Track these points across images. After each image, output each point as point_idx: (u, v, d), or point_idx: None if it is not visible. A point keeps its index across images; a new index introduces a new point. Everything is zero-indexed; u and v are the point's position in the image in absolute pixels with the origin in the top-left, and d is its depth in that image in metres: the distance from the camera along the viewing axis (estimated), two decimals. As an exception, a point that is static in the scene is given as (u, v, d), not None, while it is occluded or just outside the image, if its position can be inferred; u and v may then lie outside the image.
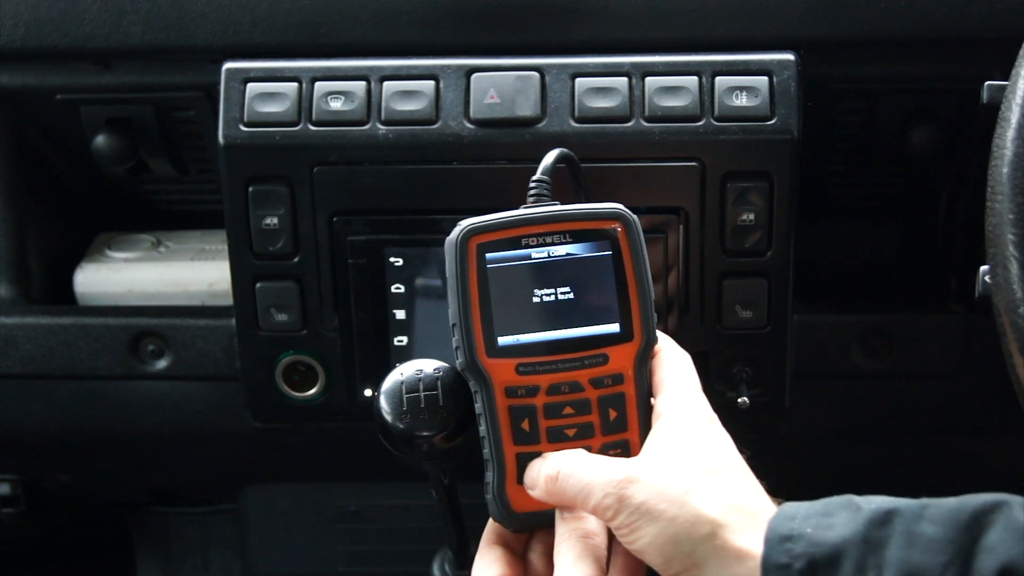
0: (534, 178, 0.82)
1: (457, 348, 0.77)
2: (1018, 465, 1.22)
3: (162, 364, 1.12)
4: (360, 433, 0.94)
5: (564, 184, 0.88)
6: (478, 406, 0.78)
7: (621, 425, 0.78)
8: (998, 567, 0.62)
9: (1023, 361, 0.73)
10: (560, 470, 0.75)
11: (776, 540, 0.67)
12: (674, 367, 0.79)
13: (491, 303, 0.77)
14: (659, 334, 0.81)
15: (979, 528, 0.64)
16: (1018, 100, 0.76)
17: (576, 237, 0.78)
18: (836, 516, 0.67)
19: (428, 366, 0.81)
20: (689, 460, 0.72)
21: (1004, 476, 1.24)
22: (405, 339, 1.03)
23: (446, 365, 0.81)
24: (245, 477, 1.42)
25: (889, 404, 1.14)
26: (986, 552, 0.63)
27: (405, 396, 0.79)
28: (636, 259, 0.78)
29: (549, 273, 0.78)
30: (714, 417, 0.75)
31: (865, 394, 1.13)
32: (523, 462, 0.78)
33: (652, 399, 0.78)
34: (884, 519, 0.66)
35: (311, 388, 1.06)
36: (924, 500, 0.68)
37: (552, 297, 0.78)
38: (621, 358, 0.78)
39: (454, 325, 0.77)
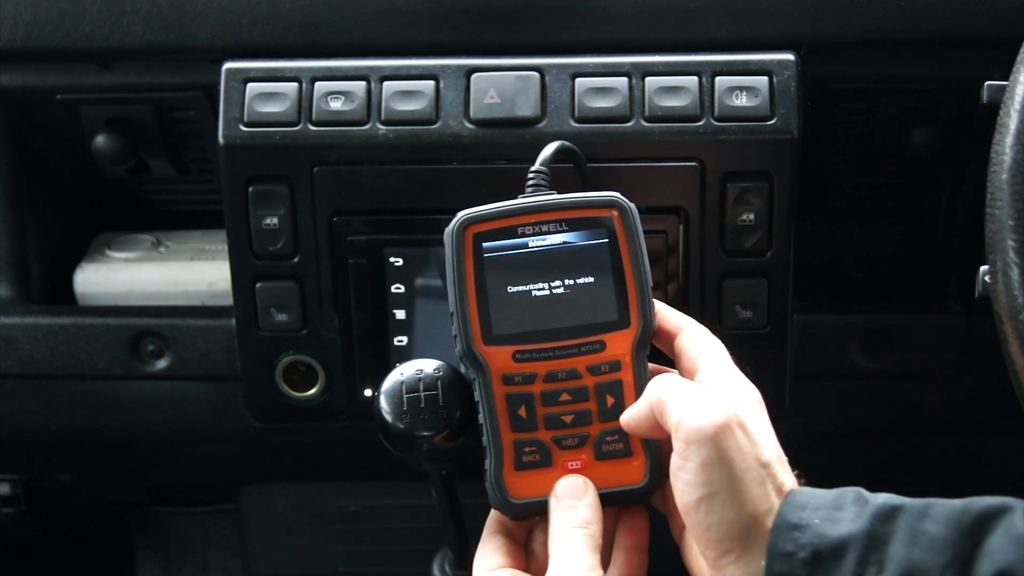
0: (532, 168, 0.83)
1: (455, 336, 0.78)
2: (1018, 465, 1.22)
3: (162, 364, 1.12)
4: (360, 433, 0.94)
5: (568, 179, 0.88)
6: (476, 394, 0.78)
7: (619, 412, 0.78)
8: (995, 571, 0.63)
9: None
10: (659, 385, 0.73)
11: (784, 528, 0.67)
12: (706, 343, 0.78)
13: (488, 292, 0.78)
14: (678, 313, 0.81)
15: (981, 532, 0.65)
16: (1016, 106, 0.75)
17: (572, 225, 0.79)
18: (845, 510, 0.68)
19: (428, 366, 0.81)
20: (768, 436, 0.71)
21: (1004, 476, 1.24)
22: (405, 339, 1.03)
23: (446, 364, 0.81)
24: (245, 477, 1.42)
25: (889, 404, 1.14)
26: (986, 557, 0.63)
27: (405, 396, 0.79)
28: (633, 246, 0.79)
29: (546, 261, 0.78)
30: (760, 397, 0.75)
31: (865, 394, 1.13)
32: (520, 449, 0.78)
33: (693, 375, 0.77)
34: (889, 515, 0.67)
35: (311, 388, 1.06)
36: (930, 499, 0.68)
37: (549, 285, 0.78)
38: (618, 345, 0.78)
39: (452, 314, 0.78)
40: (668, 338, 0.80)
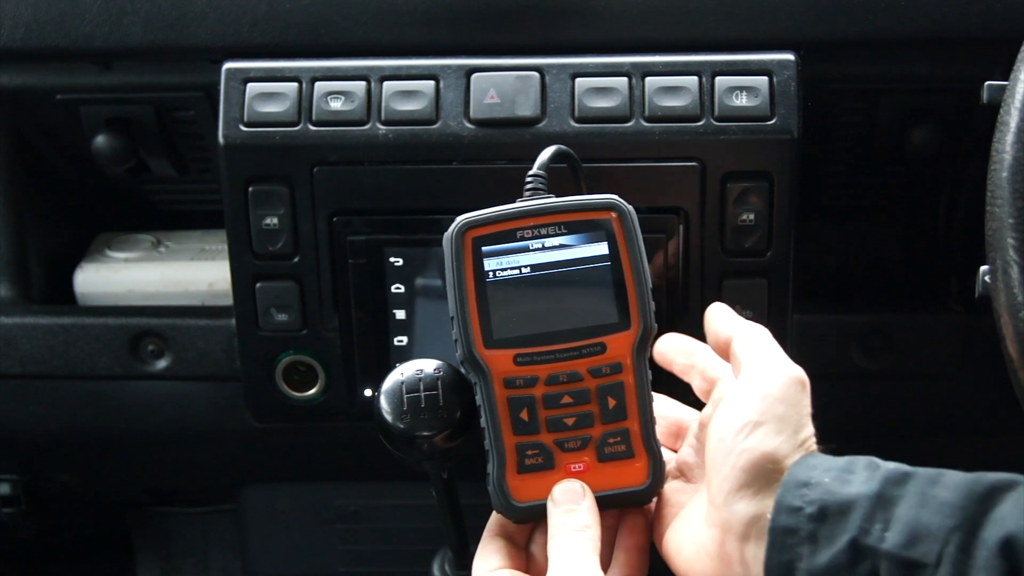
0: (530, 172, 0.83)
1: (456, 341, 0.78)
2: (1018, 465, 1.22)
3: (162, 364, 1.12)
4: (360, 433, 0.94)
5: (564, 182, 0.88)
6: (478, 397, 0.78)
7: (621, 413, 0.78)
8: (1002, 536, 0.63)
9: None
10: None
11: (793, 484, 0.68)
12: (752, 337, 0.78)
13: (488, 295, 0.78)
14: (728, 316, 0.80)
15: (992, 501, 0.65)
16: (1017, 104, 0.75)
17: (571, 228, 0.79)
18: (856, 473, 0.69)
19: (428, 366, 0.81)
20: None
21: (1004, 476, 1.24)
22: (405, 339, 1.03)
23: (446, 364, 0.81)
24: (245, 477, 1.42)
25: (889, 404, 1.14)
26: (994, 523, 0.64)
27: (405, 396, 0.79)
28: (632, 248, 0.79)
29: (545, 265, 0.78)
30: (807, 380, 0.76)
31: (865, 394, 1.13)
32: (523, 452, 0.78)
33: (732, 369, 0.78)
34: (900, 480, 0.67)
35: (311, 388, 1.06)
36: (941, 469, 0.68)
37: (549, 288, 0.78)
38: (619, 347, 0.78)
39: (452, 318, 0.78)
40: (723, 348, 0.79)
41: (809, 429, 0.73)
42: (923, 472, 0.68)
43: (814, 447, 0.73)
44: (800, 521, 0.67)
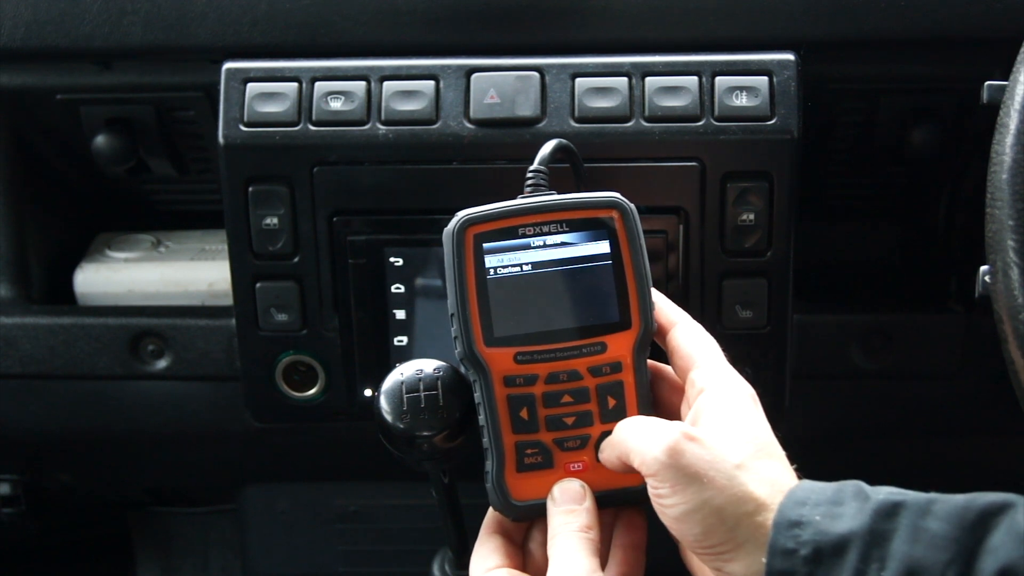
0: (531, 168, 0.83)
1: (456, 338, 0.78)
2: (1018, 465, 1.22)
3: (162, 364, 1.12)
4: (360, 433, 0.94)
5: (564, 178, 0.88)
6: (477, 395, 0.78)
7: (620, 413, 0.78)
8: (998, 568, 0.63)
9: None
10: (615, 433, 0.76)
11: (784, 525, 0.67)
12: (699, 340, 0.78)
13: (488, 293, 0.78)
14: (673, 307, 0.81)
15: (984, 529, 0.65)
16: (1016, 106, 0.75)
17: (573, 226, 0.79)
18: (845, 505, 0.68)
19: (428, 366, 0.81)
20: (741, 435, 0.72)
21: (1004, 476, 1.24)
22: (405, 339, 1.03)
23: (446, 364, 0.81)
24: (245, 477, 1.42)
25: (889, 404, 1.14)
26: (988, 553, 0.64)
27: (405, 396, 0.79)
28: (633, 247, 0.79)
29: (546, 262, 0.78)
30: (755, 394, 0.75)
31: (865, 394, 1.13)
32: (522, 451, 0.78)
33: (686, 373, 0.78)
34: (891, 511, 0.67)
35: (311, 388, 1.06)
36: (932, 495, 0.68)
37: (550, 286, 0.78)
38: (619, 346, 0.79)
39: (452, 315, 0.78)
40: (661, 332, 0.80)
41: (739, 448, 0.71)
42: (913, 501, 0.67)
43: (767, 453, 0.72)
44: (795, 564, 0.66)
